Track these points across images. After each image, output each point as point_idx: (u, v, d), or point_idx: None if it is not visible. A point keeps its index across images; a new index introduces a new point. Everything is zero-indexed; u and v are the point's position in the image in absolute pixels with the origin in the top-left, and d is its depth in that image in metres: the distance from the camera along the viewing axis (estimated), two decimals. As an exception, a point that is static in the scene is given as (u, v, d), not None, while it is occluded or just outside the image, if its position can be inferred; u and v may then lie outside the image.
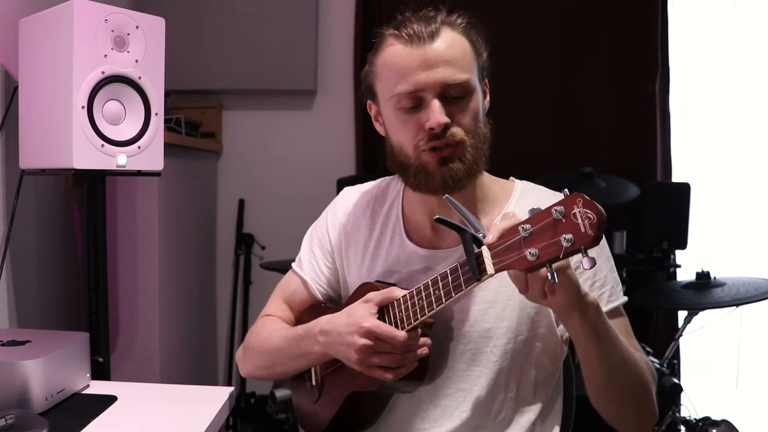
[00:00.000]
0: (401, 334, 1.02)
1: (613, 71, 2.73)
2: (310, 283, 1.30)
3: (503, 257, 0.89)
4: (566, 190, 0.85)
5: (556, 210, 0.83)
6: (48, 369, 1.18)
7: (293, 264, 1.35)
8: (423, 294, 1.02)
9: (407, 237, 1.21)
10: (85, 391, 1.31)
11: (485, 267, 0.91)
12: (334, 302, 1.31)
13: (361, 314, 1.05)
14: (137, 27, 1.58)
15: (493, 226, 0.92)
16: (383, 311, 1.07)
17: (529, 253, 0.85)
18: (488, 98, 1.19)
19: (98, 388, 1.34)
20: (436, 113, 1.06)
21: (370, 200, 1.28)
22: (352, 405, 1.17)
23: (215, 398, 1.29)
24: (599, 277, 1.15)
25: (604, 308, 1.09)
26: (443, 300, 0.99)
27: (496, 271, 0.90)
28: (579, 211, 0.81)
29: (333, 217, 1.31)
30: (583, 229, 0.81)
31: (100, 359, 1.63)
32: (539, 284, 0.90)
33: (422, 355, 1.06)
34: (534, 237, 0.85)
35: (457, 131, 1.09)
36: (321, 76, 2.89)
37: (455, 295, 0.98)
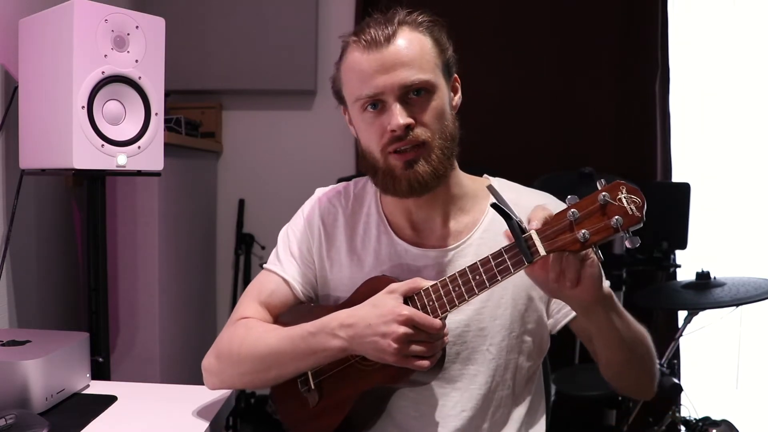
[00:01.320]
0: (438, 321, 1.03)
1: (613, 71, 2.72)
2: (292, 283, 1.26)
3: (555, 239, 0.94)
4: (602, 180, 0.93)
5: (602, 195, 0.91)
6: (48, 369, 1.18)
7: (268, 265, 1.29)
8: (460, 281, 1.03)
9: (395, 235, 1.21)
10: (85, 391, 1.31)
11: (537, 249, 0.95)
12: (314, 302, 1.28)
13: (394, 303, 1.04)
14: (137, 27, 1.58)
15: (532, 215, 0.98)
16: (408, 302, 1.07)
17: (582, 234, 0.92)
18: (459, 94, 1.19)
19: (98, 388, 1.34)
20: (396, 115, 1.07)
21: (349, 200, 1.27)
22: (358, 406, 1.16)
23: (215, 398, 1.30)
24: None
25: None
26: (487, 285, 1.01)
27: (548, 253, 0.95)
28: (624, 196, 0.91)
29: (311, 217, 1.28)
30: (630, 212, 0.90)
31: (100, 359, 1.63)
32: (574, 270, 0.94)
33: (446, 343, 1.08)
34: (583, 220, 0.93)
35: (421, 132, 1.09)
36: (321, 76, 2.89)
37: (501, 278, 1.00)
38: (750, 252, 2.76)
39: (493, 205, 0.99)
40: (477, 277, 1.01)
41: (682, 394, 2.21)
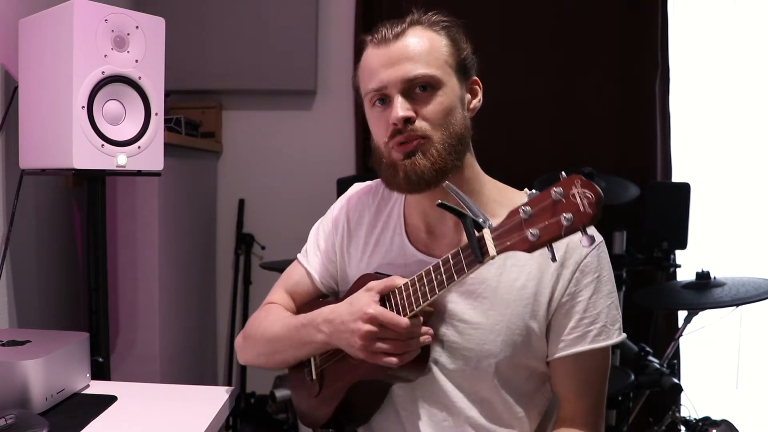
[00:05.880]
0: (404, 320, 1.03)
1: (613, 71, 2.72)
2: (313, 275, 1.32)
3: (505, 239, 0.91)
4: (563, 173, 0.87)
5: (555, 191, 0.85)
6: (48, 369, 1.18)
7: (299, 255, 1.36)
8: (425, 280, 1.03)
9: (407, 238, 1.21)
10: (85, 391, 1.31)
11: (487, 249, 0.92)
12: (335, 295, 1.33)
13: (365, 302, 1.06)
14: (137, 27, 1.58)
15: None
16: (385, 300, 1.08)
17: (530, 233, 0.87)
18: (479, 98, 1.18)
19: (98, 388, 1.34)
20: (397, 108, 1.07)
21: (377, 198, 1.29)
22: (352, 398, 1.18)
23: (215, 398, 1.30)
24: (590, 314, 1.11)
25: (586, 346, 1.09)
26: (445, 284, 1.00)
27: (498, 253, 0.91)
28: (578, 192, 0.83)
29: (338, 213, 1.32)
30: (582, 208, 0.83)
31: (100, 359, 1.63)
32: None
33: (425, 343, 1.07)
34: (534, 218, 0.88)
35: (421, 125, 1.08)
36: (321, 76, 2.89)
37: (457, 278, 0.98)
38: (750, 252, 2.76)
39: (439, 204, 0.97)
40: (438, 277, 1.01)
41: (682, 394, 2.21)
